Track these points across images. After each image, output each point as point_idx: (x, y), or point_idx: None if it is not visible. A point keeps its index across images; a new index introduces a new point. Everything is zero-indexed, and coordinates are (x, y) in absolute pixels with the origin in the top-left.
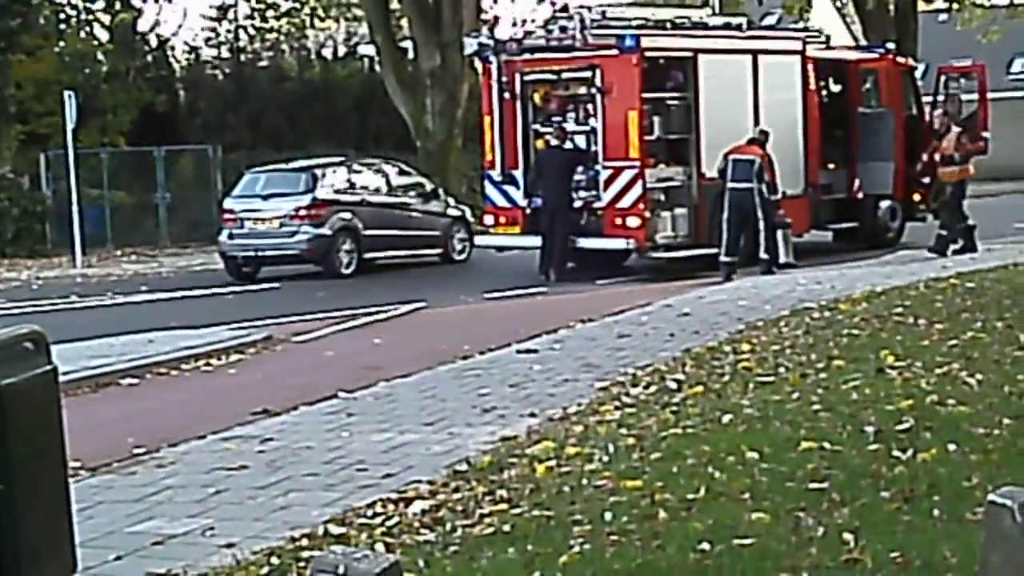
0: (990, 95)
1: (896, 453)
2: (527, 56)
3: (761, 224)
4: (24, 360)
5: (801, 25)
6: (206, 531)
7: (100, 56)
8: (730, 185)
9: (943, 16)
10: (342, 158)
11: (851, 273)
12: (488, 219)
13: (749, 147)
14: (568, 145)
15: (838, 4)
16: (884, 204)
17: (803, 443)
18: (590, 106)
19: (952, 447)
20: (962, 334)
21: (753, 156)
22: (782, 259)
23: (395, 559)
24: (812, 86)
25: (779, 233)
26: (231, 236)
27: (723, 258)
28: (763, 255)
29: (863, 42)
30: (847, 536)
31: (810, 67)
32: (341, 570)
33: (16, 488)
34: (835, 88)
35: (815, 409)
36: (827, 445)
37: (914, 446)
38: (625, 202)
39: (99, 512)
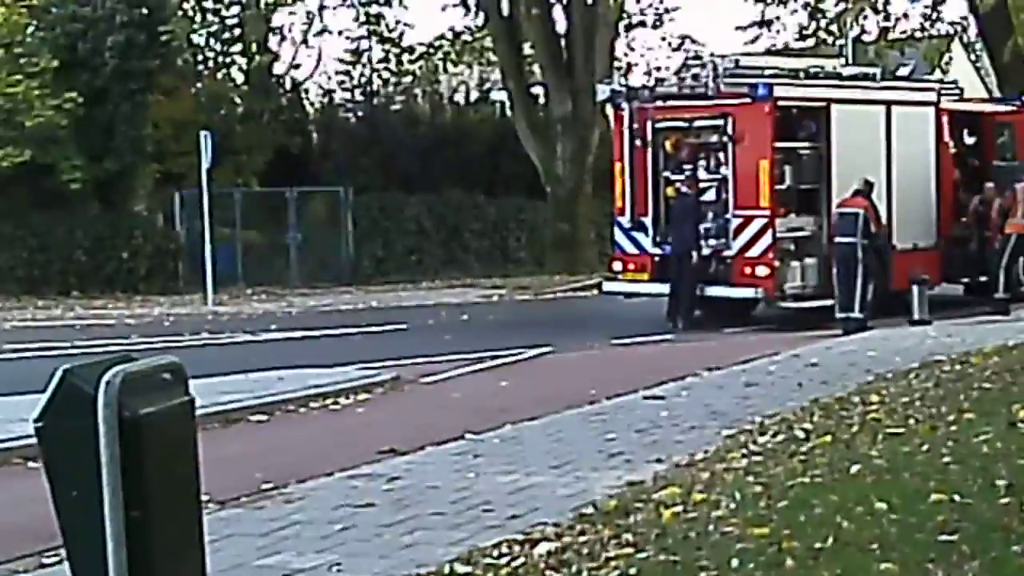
0: None
1: None
2: (659, 103)
3: (859, 279)
4: (163, 390)
5: (936, 76)
6: (333, 567)
7: (236, 98)
8: (837, 239)
9: None
10: None
11: (982, 327)
12: (617, 265)
13: (854, 199)
14: (696, 194)
15: (972, 57)
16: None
17: (933, 495)
18: (721, 154)
19: None
20: None
21: (858, 209)
22: (915, 315)
23: None
24: (946, 138)
25: (915, 288)
26: None
27: (839, 314)
28: (857, 313)
29: (997, 94)
30: None
31: (944, 119)
32: None
33: (151, 515)
34: (969, 140)
35: (945, 461)
36: (957, 497)
37: None
38: (755, 251)
39: (227, 544)
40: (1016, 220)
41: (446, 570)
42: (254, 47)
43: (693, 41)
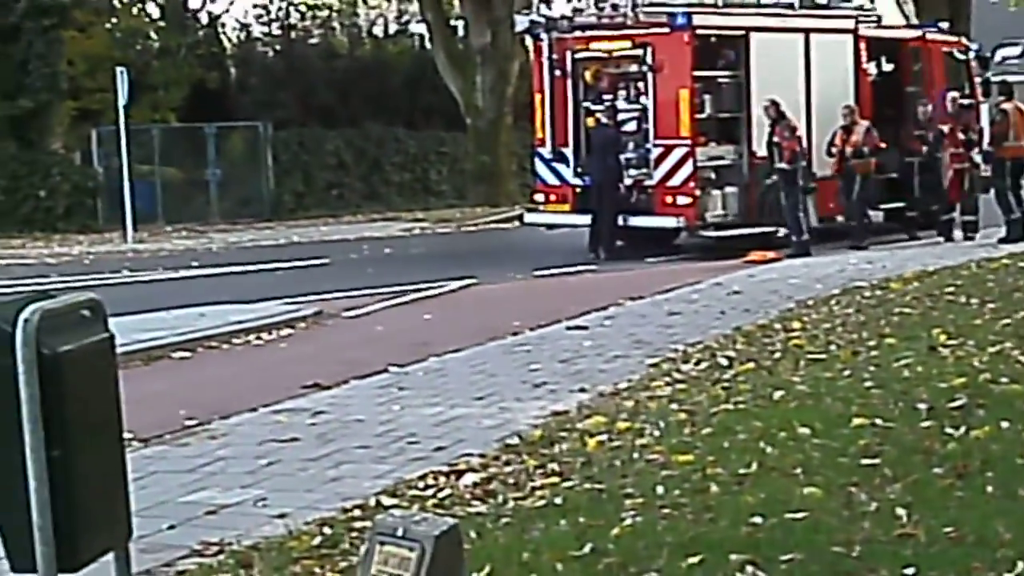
0: None
1: (949, 430)
2: (578, 34)
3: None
4: (81, 327)
5: (854, 3)
6: (258, 502)
7: (152, 33)
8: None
9: None
10: None
11: (902, 253)
12: (538, 196)
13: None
14: (616, 124)
15: None
16: None
17: (855, 419)
18: (641, 84)
19: (1005, 424)
20: (1014, 313)
21: None
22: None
23: (455, 523)
24: (864, 65)
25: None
26: None
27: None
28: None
29: (915, 22)
30: (900, 511)
31: (862, 46)
32: (400, 532)
33: (73, 453)
34: (887, 67)
35: (867, 386)
36: (879, 421)
37: (967, 423)
38: (676, 180)
39: (152, 482)
40: (1010, 143)
41: (372, 502)
42: None
43: None
